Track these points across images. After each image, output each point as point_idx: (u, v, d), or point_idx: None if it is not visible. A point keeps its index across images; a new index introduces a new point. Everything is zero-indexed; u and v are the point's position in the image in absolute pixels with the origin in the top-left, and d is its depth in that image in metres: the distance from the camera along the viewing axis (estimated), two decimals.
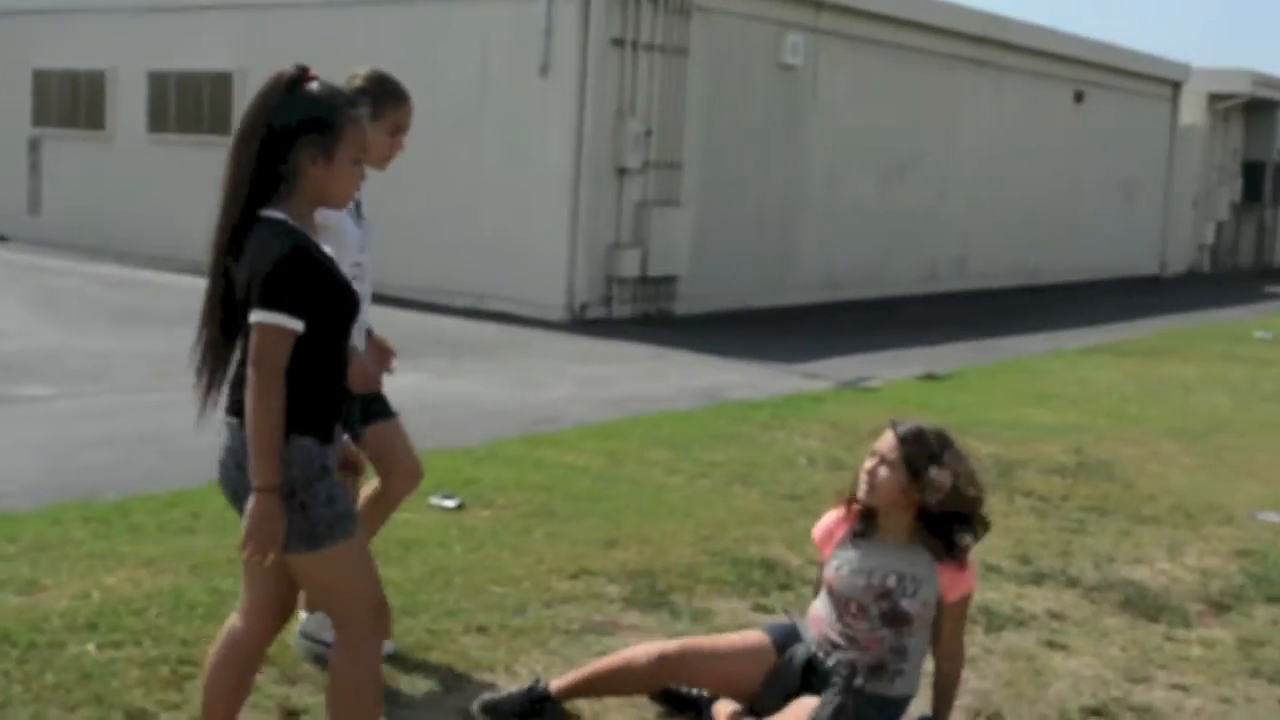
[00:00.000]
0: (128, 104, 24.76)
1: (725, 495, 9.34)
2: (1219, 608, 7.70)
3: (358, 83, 6.05)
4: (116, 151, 25.09)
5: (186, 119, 23.75)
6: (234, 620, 4.74)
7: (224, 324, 4.46)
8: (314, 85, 4.42)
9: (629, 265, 18.89)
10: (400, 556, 7.52)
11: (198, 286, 4.60)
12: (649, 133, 19.21)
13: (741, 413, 12.61)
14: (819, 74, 22.70)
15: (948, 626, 5.49)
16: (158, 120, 24.33)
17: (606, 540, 8.12)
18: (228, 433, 4.45)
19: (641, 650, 5.61)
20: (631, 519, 8.65)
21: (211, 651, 4.76)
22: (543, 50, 18.63)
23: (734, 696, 5.58)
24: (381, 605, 4.67)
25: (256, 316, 4.27)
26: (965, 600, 5.48)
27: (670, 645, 5.61)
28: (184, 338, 4.60)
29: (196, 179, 22.43)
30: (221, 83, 22.76)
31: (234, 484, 4.43)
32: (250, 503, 4.28)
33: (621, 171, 18.92)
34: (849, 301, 23.25)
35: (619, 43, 18.86)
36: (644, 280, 19.31)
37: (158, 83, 24.24)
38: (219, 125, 22.37)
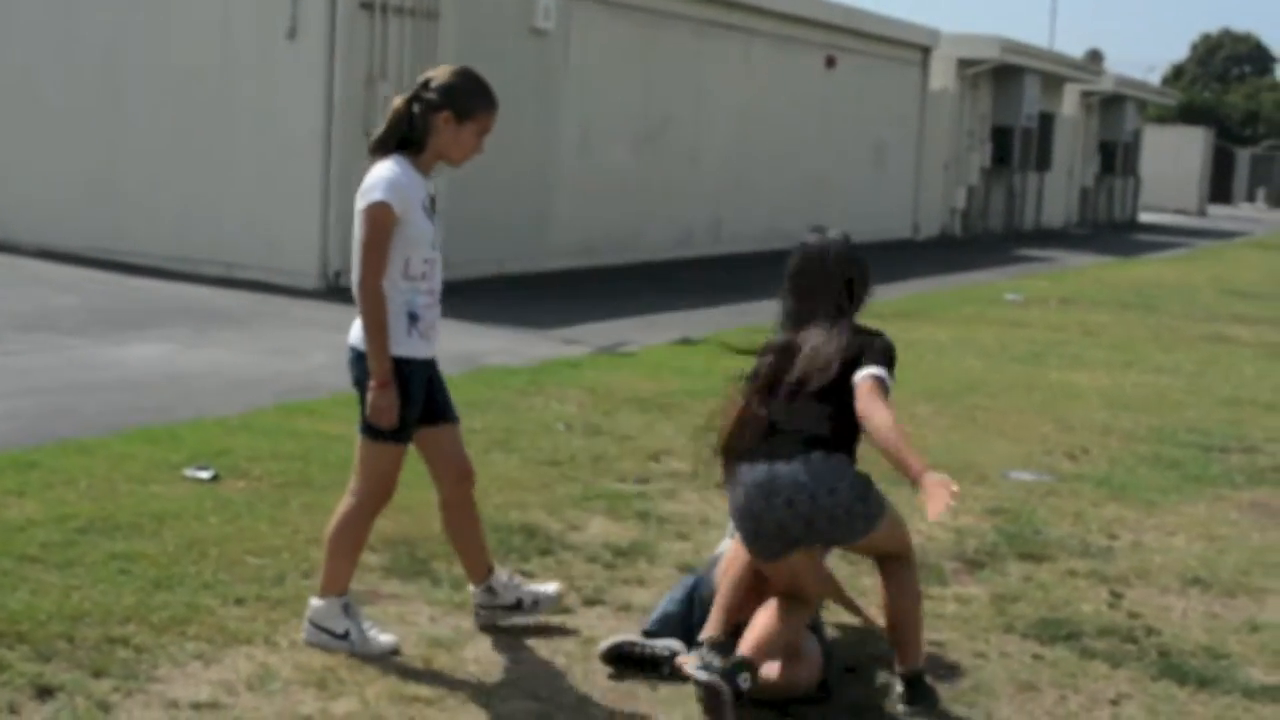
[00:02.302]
0: None
1: (484, 462, 9.25)
2: (973, 565, 7.85)
3: (446, 79, 6.00)
4: None
5: None
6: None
7: None
8: None
9: None
10: (154, 530, 7.37)
11: None
12: None
13: (499, 379, 12.56)
14: (571, 39, 22.65)
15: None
16: None
17: None
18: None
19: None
20: None
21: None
22: (290, 13, 18.28)
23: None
24: None
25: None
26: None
27: None
28: None
29: None
30: None
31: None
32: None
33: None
34: (605, 267, 23.26)
35: (367, 6, 18.59)
36: None
37: None
38: None
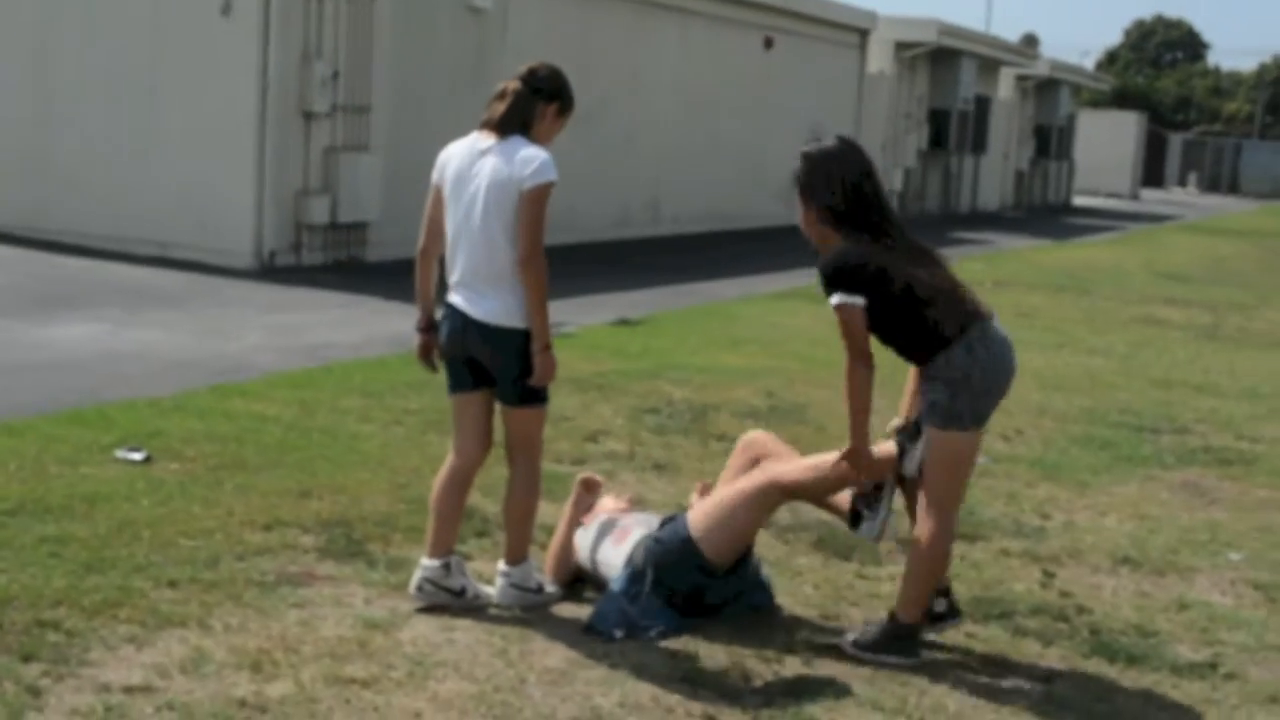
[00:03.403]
0: None
1: (419, 443, 9.26)
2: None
3: (552, 73, 6.45)
4: None
5: None
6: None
7: None
8: None
9: (318, 212, 18.55)
10: (86, 511, 7.32)
11: None
12: (336, 75, 18.89)
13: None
14: (509, 17, 22.57)
15: None
16: None
17: (300, 491, 8.00)
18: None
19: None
20: (325, 469, 8.53)
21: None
22: None
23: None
24: None
25: None
26: None
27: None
28: None
29: None
30: None
31: None
32: None
33: (308, 116, 18.56)
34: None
35: None
36: (334, 227, 18.99)
37: None
38: None
